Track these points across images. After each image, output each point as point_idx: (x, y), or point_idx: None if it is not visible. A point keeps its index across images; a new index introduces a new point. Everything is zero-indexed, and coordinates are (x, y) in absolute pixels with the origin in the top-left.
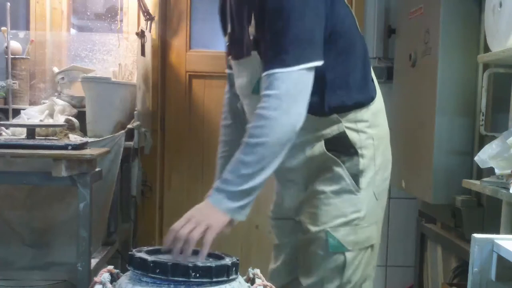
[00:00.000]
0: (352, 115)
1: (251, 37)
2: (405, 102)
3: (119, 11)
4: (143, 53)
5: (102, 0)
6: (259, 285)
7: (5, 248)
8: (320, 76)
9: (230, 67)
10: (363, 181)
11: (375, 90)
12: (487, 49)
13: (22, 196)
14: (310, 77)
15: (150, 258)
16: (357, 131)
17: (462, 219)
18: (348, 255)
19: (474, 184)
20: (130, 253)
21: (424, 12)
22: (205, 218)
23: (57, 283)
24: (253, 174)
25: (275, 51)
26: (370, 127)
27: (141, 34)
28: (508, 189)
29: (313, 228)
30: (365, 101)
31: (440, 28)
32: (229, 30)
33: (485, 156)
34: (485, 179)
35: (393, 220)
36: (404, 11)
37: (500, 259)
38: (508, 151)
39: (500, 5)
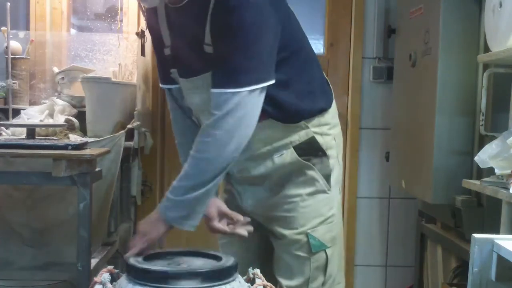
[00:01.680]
0: (316, 120)
1: (208, 55)
2: (405, 102)
3: (119, 11)
4: (143, 53)
5: (102, 0)
6: (259, 285)
7: (5, 248)
8: (287, 87)
9: (166, 82)
10: (332, 179)
11: (332, 91)
12: (487, 49)
13: (22, 196)
14: (261, 97)
15: (147, 266)
16: (321, 134)
17: (462, 219)
18: (329, 251)
19: (474, 184)
20: (127, 261)
21: (424, 12)
22: (149, 231)
23: (57, 283)
24: (194, 186)
25: (228, 70)
26: (331, 128)
27: (141, 34)
28: (508, 189)
29: (289, 232)
30: (327, 105)
31: (440, 28)
32: (167, 45)
33: (485, 156)
34: (485, 179)
35: (393, 220)
36: (404, 11)
37: (500, 259)
38: (508, 151)
39: (500, 5)
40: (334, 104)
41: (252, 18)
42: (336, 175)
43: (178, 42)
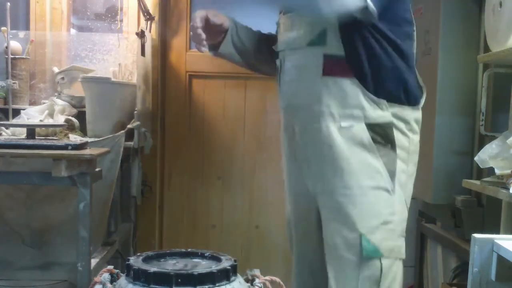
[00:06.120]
0: (396, 109)
1: None
2: None
3: (119, 11)
4: (143, 53)
5: (102, 0)
6: (259, 282)
7: (5, 248)
8: (397, 59)
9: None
10: (397, 182)
11: (421, 97)
12: (487, 49)
13: (22, 196)
14: None
15: (147, 267)
16: (397, 128)
17: (462, 219)
18: (384, 262)
19: (474, 184)
20: (127, 262)
21: (424, 12)
22: None
23: (57, 283)
24: None
25: None
26: (410, 131)
27: (141, 34)
28: (508, 189)
29: (342, 229)
30: (409, 101)
31: (440, 28)
32: None
33: (485, 156)
34: (485, 179)
35: None
36: None
37: (500, 259)
38: (508, 151)
39: (500, 5)
40: (420, 111)
41: None
42: (403, 181)
43: None
